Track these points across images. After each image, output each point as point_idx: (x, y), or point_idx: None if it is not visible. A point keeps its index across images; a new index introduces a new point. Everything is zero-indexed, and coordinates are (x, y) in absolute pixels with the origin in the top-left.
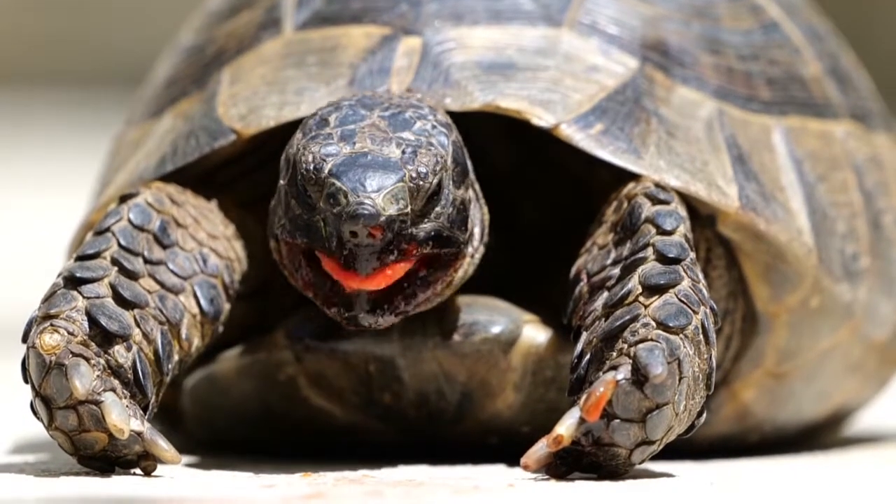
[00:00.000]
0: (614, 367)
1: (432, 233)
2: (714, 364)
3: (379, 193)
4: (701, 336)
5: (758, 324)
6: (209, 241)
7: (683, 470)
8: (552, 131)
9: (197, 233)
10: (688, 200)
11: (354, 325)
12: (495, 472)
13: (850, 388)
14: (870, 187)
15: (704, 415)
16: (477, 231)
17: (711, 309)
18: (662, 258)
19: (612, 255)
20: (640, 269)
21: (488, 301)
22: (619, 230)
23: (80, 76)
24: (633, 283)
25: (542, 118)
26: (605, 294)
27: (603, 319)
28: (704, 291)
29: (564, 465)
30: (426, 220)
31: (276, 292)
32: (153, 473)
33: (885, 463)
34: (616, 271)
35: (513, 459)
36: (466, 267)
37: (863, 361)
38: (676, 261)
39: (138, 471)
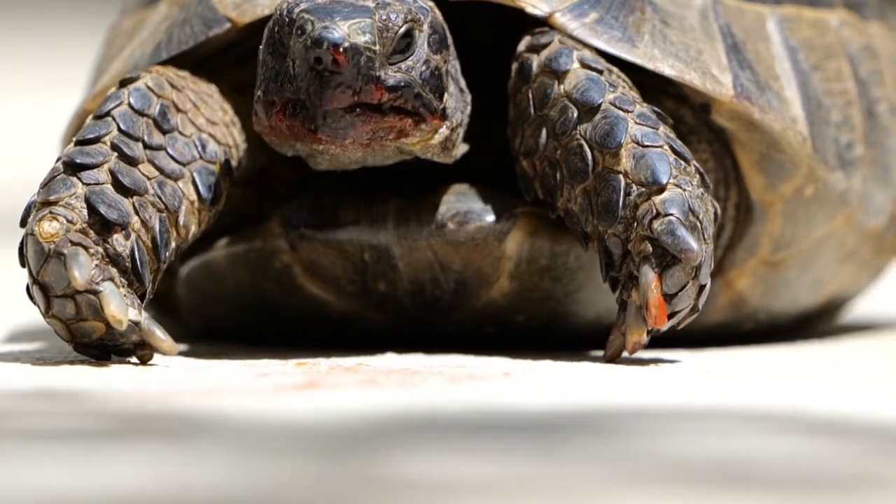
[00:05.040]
0: (644, 257)
1: (402, 83)
2: (698, 166)
3: (345, 23)
4: (681, 161)
5: (753, 212)
6: (208, 127)
7: (679, 359)
8: (547, 20)
9: (196, 118)
10: (679, 90)
11: (325, 134)
12: (491, 361)
13: (845, 277)
14: (864, 76)
15: (718, 208)
16: (458, 111)
17: (659, 116)
18: (589, 108)
19: (539, 125)
20: (579, 132)
21: (484, 190)
22: (521, 93)
23: None
24: (587, 150)
25: (536, 7)
26: (566, 171)
27: (582, 199)
28: (647, 110)
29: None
30: (396, 70)
31: (273, 180)
32: (149, 362)
33: (879, 351)
34: (547, 140)
35: (508, 349)
36: (445, 133)
37: (858, 250)
38: (601, 104)
39: (134, 359)
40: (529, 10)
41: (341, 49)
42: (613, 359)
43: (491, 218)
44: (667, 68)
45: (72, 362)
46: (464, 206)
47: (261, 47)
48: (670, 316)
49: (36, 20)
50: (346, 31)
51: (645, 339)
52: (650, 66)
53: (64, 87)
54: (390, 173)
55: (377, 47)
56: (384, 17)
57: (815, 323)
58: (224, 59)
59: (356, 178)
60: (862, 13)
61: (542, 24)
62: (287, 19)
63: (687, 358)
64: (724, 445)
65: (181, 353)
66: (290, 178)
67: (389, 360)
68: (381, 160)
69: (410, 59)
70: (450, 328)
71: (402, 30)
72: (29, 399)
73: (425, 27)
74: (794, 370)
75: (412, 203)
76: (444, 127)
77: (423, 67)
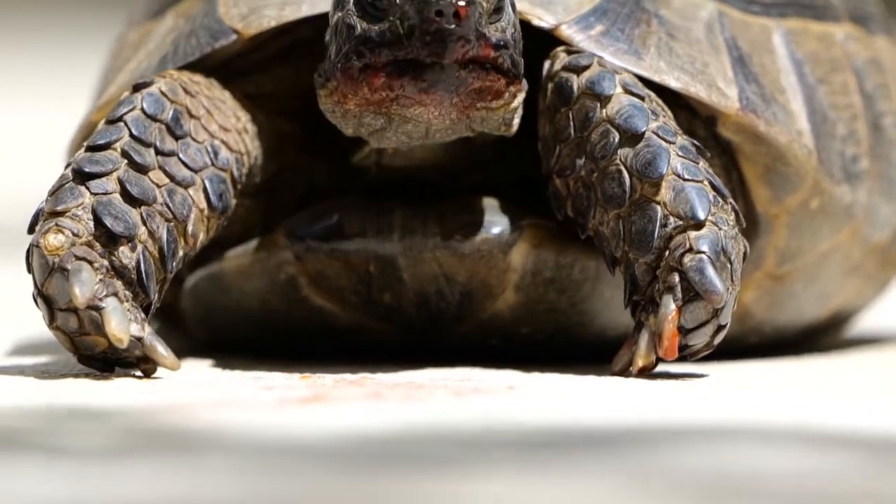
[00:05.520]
0: (668, 287)
1: (502, 42)
2: (734, 203)
3: None
4: (719, 198)
5: (758, 225)
6: (221, 133)
7: (684, 373)
8: (553, 32)
9: (209, 124)
10: (688, 102)
11: (438, 90)
12: (496, 375)
13: (851, 290)
14: (870, 90)
15: (748, 247)
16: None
17: (698, 150)
18: (632, 135)
19: (578, 146)
20: (619, 157)
21: (490, 201)
22: (560, 113)
23: None
24: (625, 176)
25: (542, 19)
26: (601, 194)
27: (615, 224)
28: (687, 143)
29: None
30: (496, 29)
31: (280, 191)
32: (153, 375)
33: (884, 365)
34: (585, 162)
35: (513, 361)
36: (521, 100)
37: (863, 263)
38: (645, 132)
39: (138, 372)
40: (535, 21)
41: (463, 2)
42: (620, 373)
43: (496, 230)
44: (672, 81)
45: (76, 375)
46: (469, 217)
47: (338, 15)
48: (683, 348)
49: (36, 32)
50: None
51: (651, 364)
52: (656, 78)
53: (64, 100)
54: (391, 188)
55: (485, 4)
56: None
57: (821, 336)
58: (229, 72)
59: (363, 189)
60: (868, 27)
61: (549, 35)
62: None
63: (692, 371)
64: (729, 460)
65: (186, 366)
66: (296, 189)
67: (394, 373)
68: (447, 135)
69: (503, 20)
70: (455, 340)
71: None
72: (32, 413)
73: None
74: (799, 384)
75: (418, 215)
76: (522, 92)
77: (513, 30)
